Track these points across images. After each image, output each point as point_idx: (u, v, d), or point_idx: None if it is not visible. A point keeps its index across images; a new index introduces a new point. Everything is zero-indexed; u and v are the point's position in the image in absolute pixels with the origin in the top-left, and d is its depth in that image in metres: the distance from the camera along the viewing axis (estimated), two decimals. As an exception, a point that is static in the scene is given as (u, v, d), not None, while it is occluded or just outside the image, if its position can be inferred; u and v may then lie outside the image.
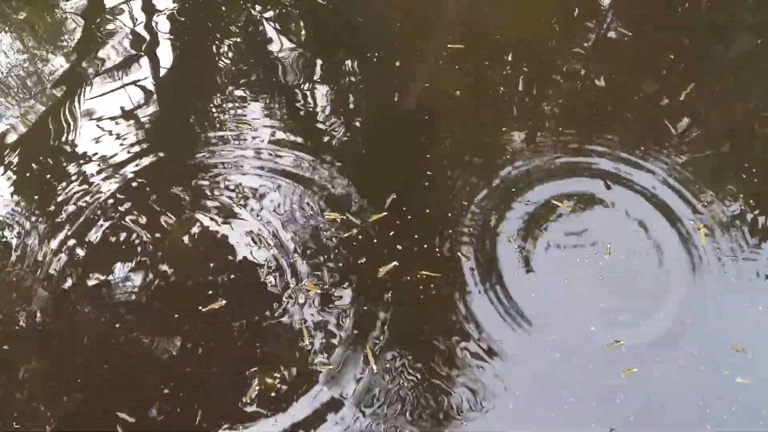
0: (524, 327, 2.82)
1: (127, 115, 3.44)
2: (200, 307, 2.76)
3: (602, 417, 2.61)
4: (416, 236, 3.00)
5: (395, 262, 2.91)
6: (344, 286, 2.86)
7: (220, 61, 3.68)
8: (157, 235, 2.99)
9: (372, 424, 2.54)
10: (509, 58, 3.71)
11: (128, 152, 3.28)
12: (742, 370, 2.74)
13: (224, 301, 2.78)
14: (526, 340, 2.78)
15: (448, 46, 3.67)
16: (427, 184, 3.18)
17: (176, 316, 2.76)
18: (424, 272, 2.90)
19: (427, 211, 3.09)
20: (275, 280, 2.87)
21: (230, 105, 3.50)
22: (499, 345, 2.76)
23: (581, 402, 2.65)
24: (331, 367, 2.65)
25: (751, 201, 3.24)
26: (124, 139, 3.35)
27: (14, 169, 3.23)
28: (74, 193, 3.13)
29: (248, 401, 2.57)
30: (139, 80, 3.61)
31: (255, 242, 2.97)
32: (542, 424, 2.60)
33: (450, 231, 3.04)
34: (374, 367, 2.63)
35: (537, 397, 2.66)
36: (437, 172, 3.23)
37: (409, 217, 3.06)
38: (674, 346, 2.80)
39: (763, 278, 3.00)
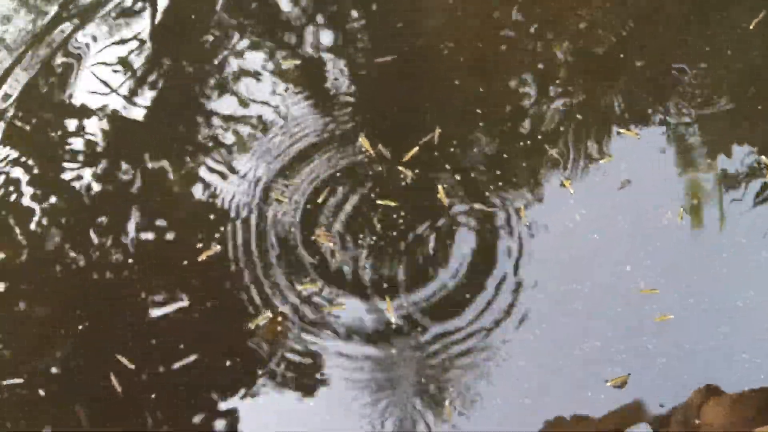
0: (558, 263, 2.71)
1: (126, 62, 3.37)
2: (199, 257, 2.77)
3: (626, 360, 2.49)
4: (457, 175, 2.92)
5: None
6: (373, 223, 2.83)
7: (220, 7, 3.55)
8: (160, 183, 3.00)
9: (379, 368, 2.56)
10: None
11: (125, 100, 3.24)
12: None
13: (219, 247, 2.80)
14: (558, 276, 2.68)
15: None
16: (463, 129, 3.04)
17: (184, 263, 2.79)
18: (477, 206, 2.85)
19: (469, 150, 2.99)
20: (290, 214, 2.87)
21: (233, 49, 3.39)
22: (534, 279, 2.68)
23: (608, 344, 2.53)
24: (344, 307, 2.64)
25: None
26: (121, 86, 3.29)
27: (10, 120, 3.23)
28: (72, 144, 3.13)
29: (254, 336, 2.62)
30: (136, 27, 3.51)
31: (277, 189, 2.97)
32: (564, 361, 2.52)
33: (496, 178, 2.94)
34: (393, 319, 2.61)
35: (561, 334, 2.56)
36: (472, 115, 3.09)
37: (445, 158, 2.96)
38: (714, 295, 2.60)
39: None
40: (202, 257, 2.76)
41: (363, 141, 2.96)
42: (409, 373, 2.53)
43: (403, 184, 2.89)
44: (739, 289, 2.60)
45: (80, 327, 2.66)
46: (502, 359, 2.52)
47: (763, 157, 2.91)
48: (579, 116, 3.04)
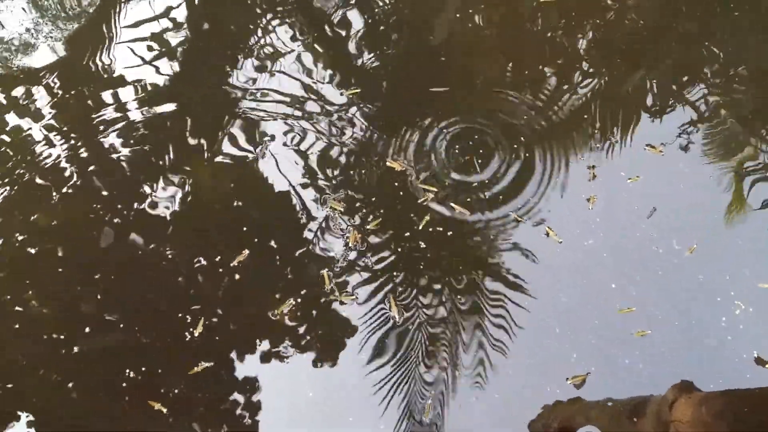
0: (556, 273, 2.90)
1: (163, 41, 3.50)
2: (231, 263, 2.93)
3: (602, 374, 2.68)
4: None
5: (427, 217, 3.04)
6: (384, 233, 3.04)
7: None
8: (186, 171, 3.15)
9: (389, 355, 2.78)
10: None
11: (162, 80, 3.39)
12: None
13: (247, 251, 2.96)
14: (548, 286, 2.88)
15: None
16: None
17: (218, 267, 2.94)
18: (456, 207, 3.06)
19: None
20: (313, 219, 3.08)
21: (267, 35, 3.55)
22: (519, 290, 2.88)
23: (584, 359, 2.71)
24: (354, 297, 2.87)
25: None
26: (159, 66, 3.43)
27: (54, 91, 3.35)
28: (109, 122, 3.24)
29: (277, 320, 2.84)
30: (173, 6, 3.68)
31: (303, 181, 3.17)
32: (541, 375, 2.70)
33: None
34: (396, 317, 2.83)
35: (540, 350, 2.75)
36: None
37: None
38: (691, 314, 2.76)
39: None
40: (235, 262, 2.94)
41: (391, 163, 3.20)
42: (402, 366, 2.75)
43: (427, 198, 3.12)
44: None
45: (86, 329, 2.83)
46: (478, 358, 2.75)
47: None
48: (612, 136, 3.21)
